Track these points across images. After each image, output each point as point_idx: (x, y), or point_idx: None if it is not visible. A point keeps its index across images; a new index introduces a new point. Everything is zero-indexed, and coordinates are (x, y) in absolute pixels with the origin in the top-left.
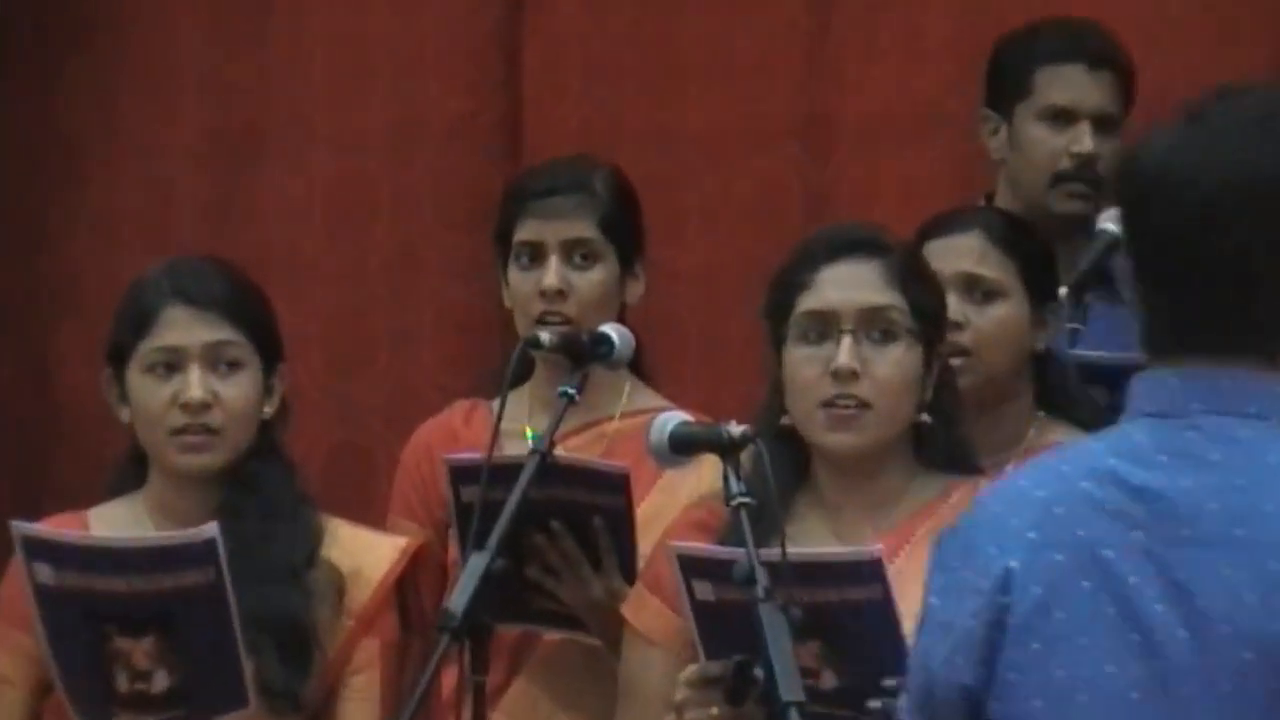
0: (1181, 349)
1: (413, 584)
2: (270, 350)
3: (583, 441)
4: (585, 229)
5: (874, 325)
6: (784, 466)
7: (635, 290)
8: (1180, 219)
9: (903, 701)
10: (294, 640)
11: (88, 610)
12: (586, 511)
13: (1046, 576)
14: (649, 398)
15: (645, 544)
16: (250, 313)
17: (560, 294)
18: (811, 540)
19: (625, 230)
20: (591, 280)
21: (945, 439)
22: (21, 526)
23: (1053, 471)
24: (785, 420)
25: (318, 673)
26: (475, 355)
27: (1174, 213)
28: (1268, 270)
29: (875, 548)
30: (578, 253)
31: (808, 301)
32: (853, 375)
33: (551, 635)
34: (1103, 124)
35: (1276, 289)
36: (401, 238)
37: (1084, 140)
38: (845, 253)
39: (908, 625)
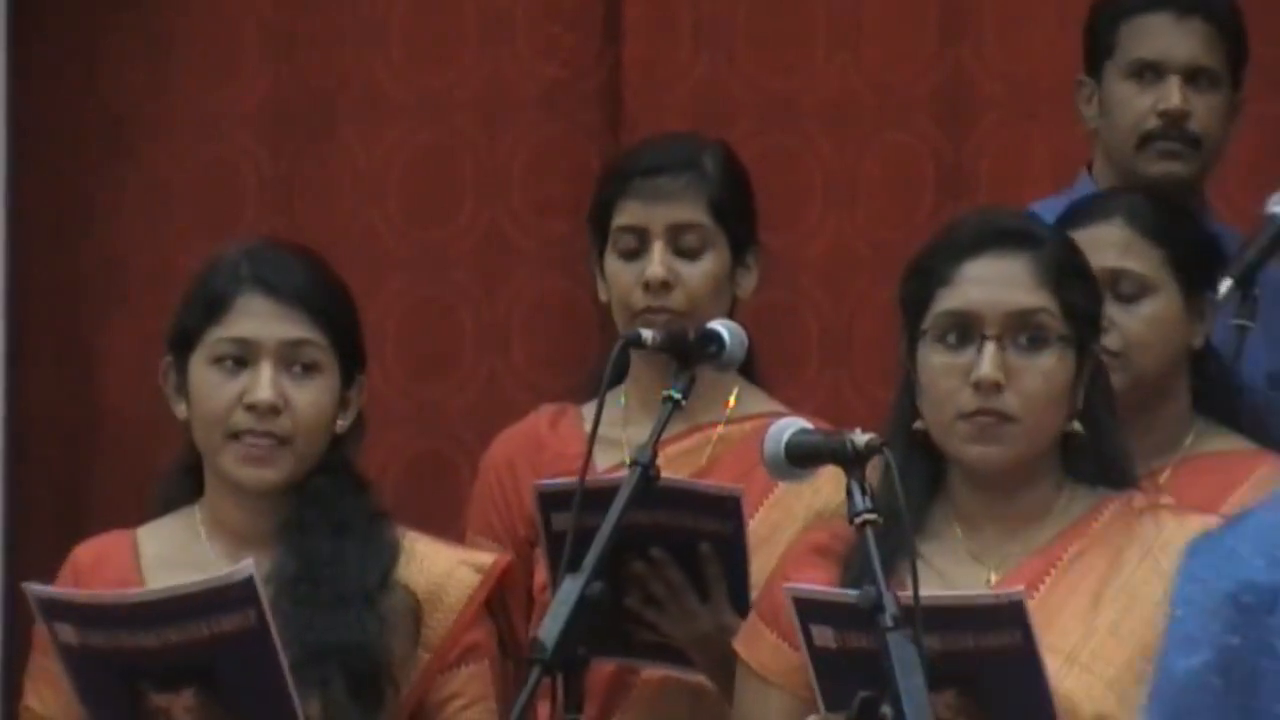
0: None
1: (502, 606)
2: (351, 357)
3: (684, 449)
4: (694, 213)
5: (1022, 330)
6: (916, 477)
7: (747, 283)
8: None
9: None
10: (365, 672)
11: (118, 669)
12: (693, 537)
13: None
14: (760, 401)
15: (756, 565)
16: (335, 312)
17: (666, 286)
18: (946, 561)
19: (738, 215)
20: (701, 271)
21: (1097, 449)
22: (35, 589)
23: None
24: (918, 425)
25: (390, 709)
26: (572, 354)
27: None
28: None
29: (1016, 591)
30: (686, 239)
31: (947, 299)
32: (996, 387)
33: (652, 671)
34: (1196, 78)
35: None
36: (488, 221)
37: (1172, 96)
38: (991, 245)
39: (1052, 663)
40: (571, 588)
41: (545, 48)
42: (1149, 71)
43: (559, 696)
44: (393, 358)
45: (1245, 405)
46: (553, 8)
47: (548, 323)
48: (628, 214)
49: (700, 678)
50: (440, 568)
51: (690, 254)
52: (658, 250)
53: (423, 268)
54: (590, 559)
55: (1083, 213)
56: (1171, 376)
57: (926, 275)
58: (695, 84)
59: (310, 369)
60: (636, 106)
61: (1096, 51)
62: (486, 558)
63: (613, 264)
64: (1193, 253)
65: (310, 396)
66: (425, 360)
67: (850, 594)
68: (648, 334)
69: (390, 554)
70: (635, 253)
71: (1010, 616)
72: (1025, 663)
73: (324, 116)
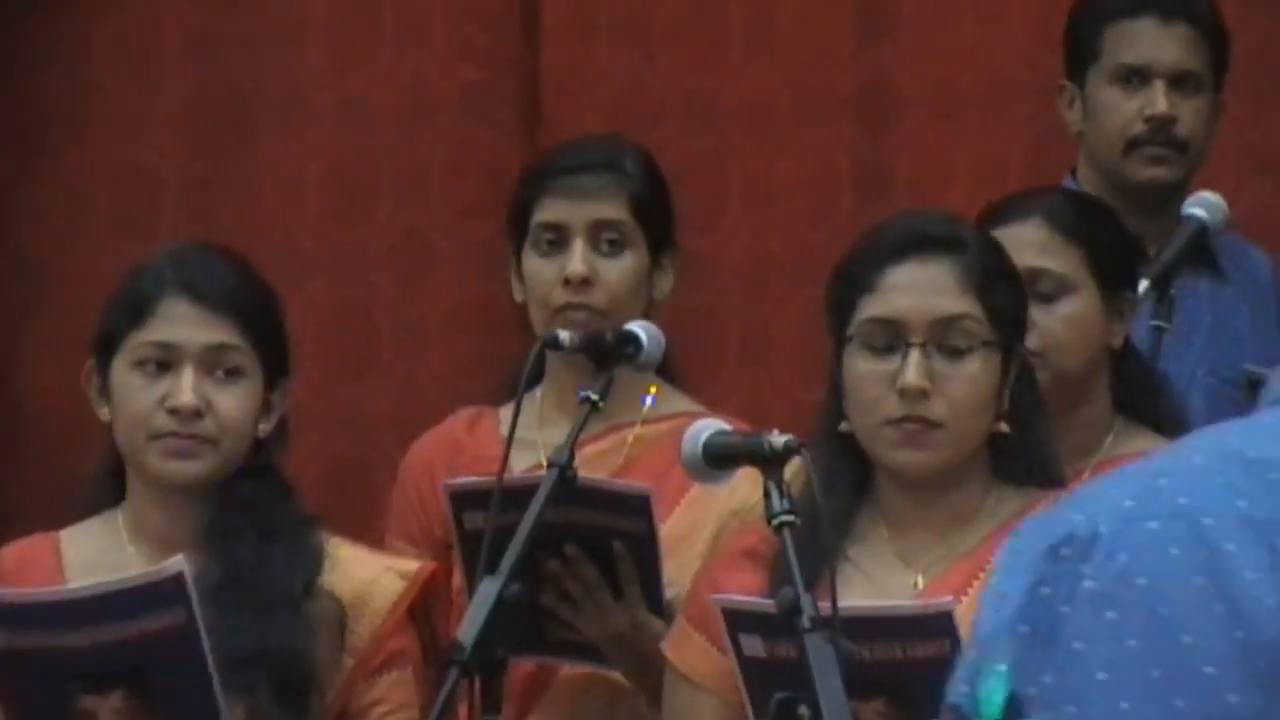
0: None
1: (426, 613)
2: (275, 361)
3: (601, 449)
4: (615, 210)
5: (947, 337)
6: (843, 480)
7: (664, 285)
8: None
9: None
10: (291, 678)
11: (47, 671)
12: (606, 535)
13: (1134, 544)
14: (677, 401)
15: (673, 565)
16: (259, 316)
17: (586, 282)
18: (873, 564)
19: (658, 215)
20: (621, 268)
21: (1025, 449)
22: None
23: (1168, 453)
24: (844, 427)
25: (315, 715)
26: (491, 356)
27: None
28: None
29: (945, 601)
30: (606, 237)
31: (872, 306)
32: (922, 394)
33: (569, 668)
34: (1181, 82)
35: None
36: (407, 223)
37: (1158, 101)
38: (915, 250)
39: None
40: (489, 589)
41: (463, 50)
42: (1134, 76)
43: (476, 697)
44: (311, 360)
45: (1166, 405)
46: (471, 9)
47: (466, 325)
48: (548, 211)
49: (616, 675)
50: (365, 574)
51: (611, 252)
52: (578, 247)
53: (341, 270)
54: (507, 560)
55: (1001, 212)
56: (1091, 376)
57: (851, 281)
58: (614, 85)
59: (233, 373)
60: (555, 108)
61: (1079, 56)
62: (411, 564)
63: (531, 262)
64: (1112, 252)
65: (232, 401)
66: (343, 362)
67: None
68: (565, 336)
69: (316, 560)
70: (555, 249)
71: (939, 626)
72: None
73: (243, 119)
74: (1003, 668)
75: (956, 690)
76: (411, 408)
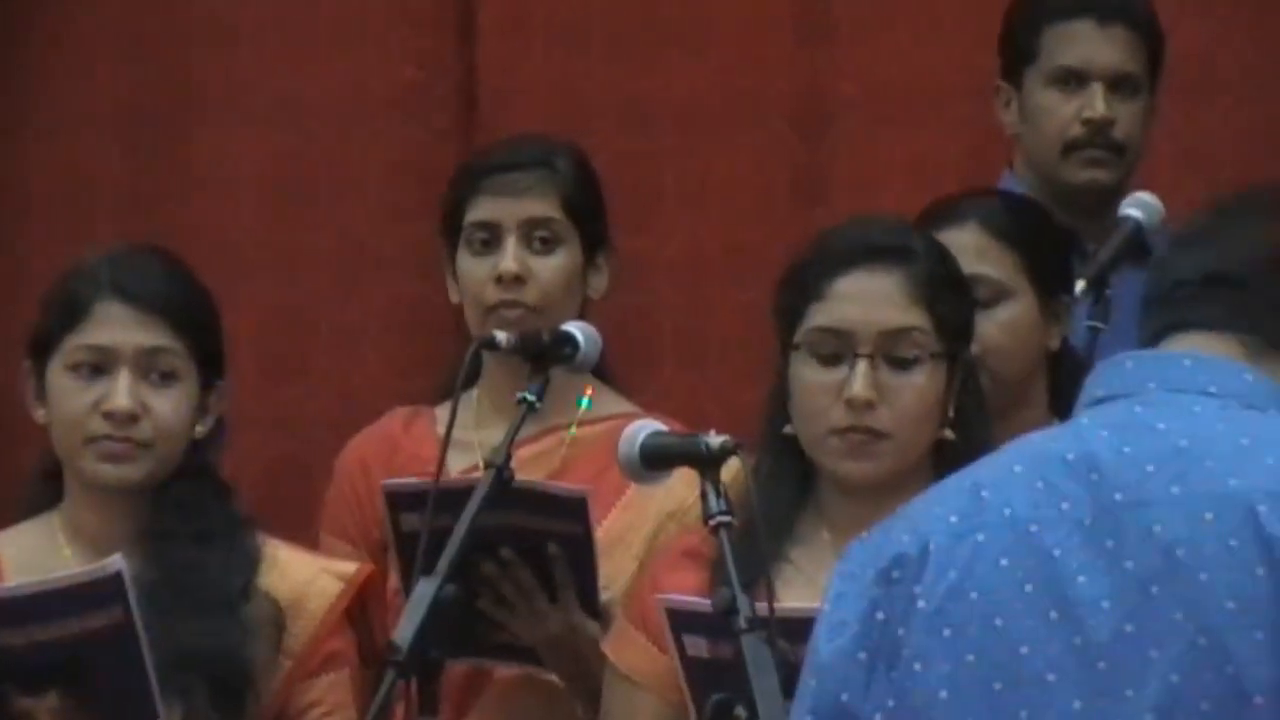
0: (1164, 329)
1: (363, 615)
2: (211, 363)
3: (537, 451)
4: (547, 208)
5: (894, 348)
6: (786, 482)
7: (599, 284)
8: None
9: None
10: (227, 680)
11: None
12: (542, 538)
13: (963, 559)
14: (612, 402)
15: (609, 566)
16: (194, 320)
17: (519, 280)
18: (815, 566)
19: (590, 213)
20: (554, 266)
21: (968, 453)
22: None
23: (987, 462)
24: (788, 429)
25: (251, 717)
26: (428, 358)
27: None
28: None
29: None
30: (538, 235)
31: (820, 315)
32: (868, 405)
33: (505, 671)
34: (1119, 85)
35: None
36: (343, 224)
37: (1096, 104)
38: (865, 260)
39: None
40: (426, 590)
41: (399, 51)
42: (1072, 79)
43: (413, 698)
44: (247, 361)
45: None
46: (406, 11)
47: (403, 326)
48: (481, 210)
49: (552, 677)
50: (303, 575)
51: (543, 250)
52: (511, 245)
53: (277, 271)
54: (444, 562)
55: (936, 216)
56: (1029, 380)
57: (800, 288)
58: (550, 86)
59: (168, 376)
60: (491, 109)
61: (1016, 57)
62: (349, 566)
63: (465, 261)
64: (1048, 256)
65: (168, 404)
66: (280, 363)
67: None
68: (502, 337)
69: (253, 561)
70: (488, 248)
71: None
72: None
73: (179, 119)
74: (845, 698)
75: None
76: (348, 409)
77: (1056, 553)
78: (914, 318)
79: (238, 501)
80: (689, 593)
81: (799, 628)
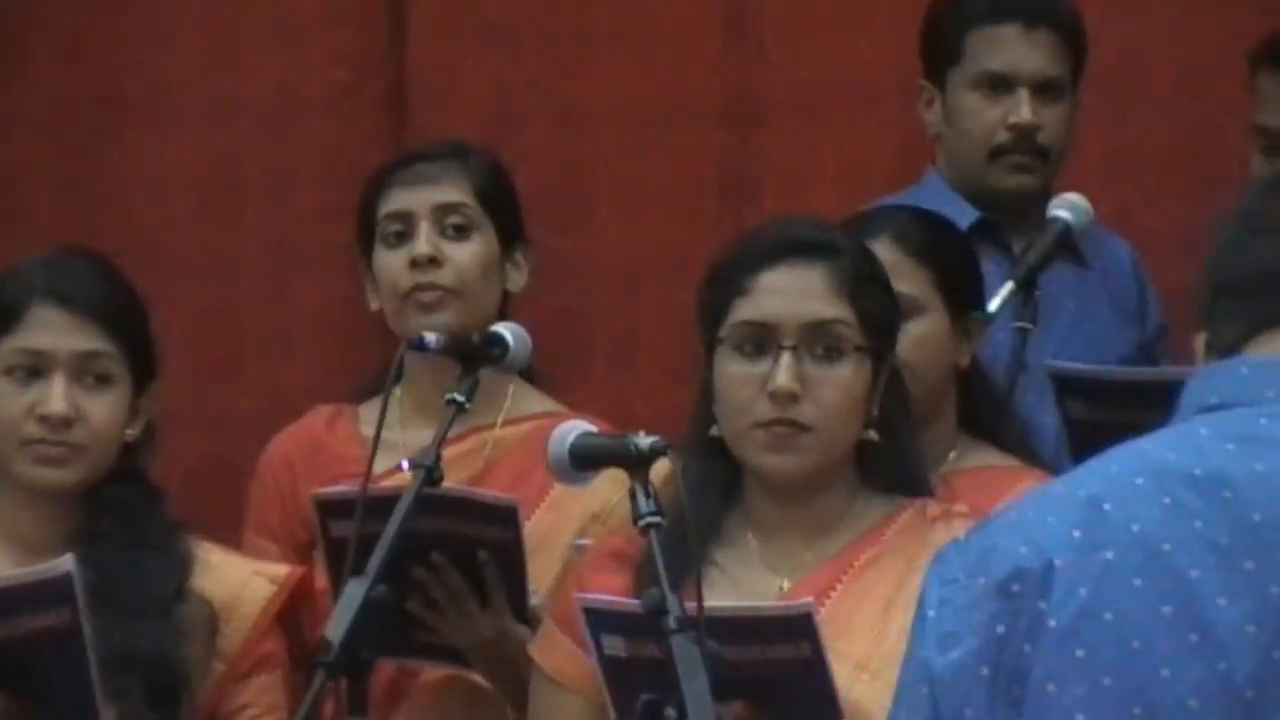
0: (1247, 337)
1: (295, 617)
2: (143, 367)
3: (461, 451)
4: (459, 194)
5: (818, 341)
6: (713, 484)
7: (517, 279)
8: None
9: None
10: (162, 682)
11: None
12: (472, 544)
13: (1093, 577)
14: (536, 401)
15: (533, 567)
16: (128, 323)
17: (434, 262)
18: (740, 568)
19: (504, 205)
20: (469, 250)
21: (893, 457)
22: None
23: (1097, 473)
24: (715, 431)
25: (186, 719)
26: (358, 359)
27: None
28: None
29: (805, 602)
30: (451, 221)
31: (744, 310)
32: (792, 398)
33: (430, 672)
34: (1044, 90)
35: None
36: (274, 225)
37: (1022, 110)
38: (788, 255)
39: (842, 670)
40: (356, 591)
41: (331, 51)
42: (998, 84)
43: (343, 699)
44: (178, 362)
45: (1011, 425)
46: (338, 11)
47: (333, 328)
48: (393, 202)
49: (478, 678)
50: (235, 578)
51: (456, 235)
52: (424, 230)
53: (209, 272)
54: (373, 563)
55: (850, 230)
56: (939, 396)
57: (724, 284)
58: (482, 87)
59: (103, 380)
60: (423, 110)
61: (940, 58)
62: (281, 569)
63: (381, 255)
64: (959, 273)
65: (103, 408)
66: (211, 365)
67: (637, 604)
68: (432, 338)
69: (186, 564)
70: (402, 239)
71: (799, 627)
72: (814, 673)
73: (111, 120)
74: (969, 714)
75: None
76: (278, 410)
77: (1193, 574)
78: (838, 310)
79: (169, 504)
80: (614, 594)
81: (723, 626)
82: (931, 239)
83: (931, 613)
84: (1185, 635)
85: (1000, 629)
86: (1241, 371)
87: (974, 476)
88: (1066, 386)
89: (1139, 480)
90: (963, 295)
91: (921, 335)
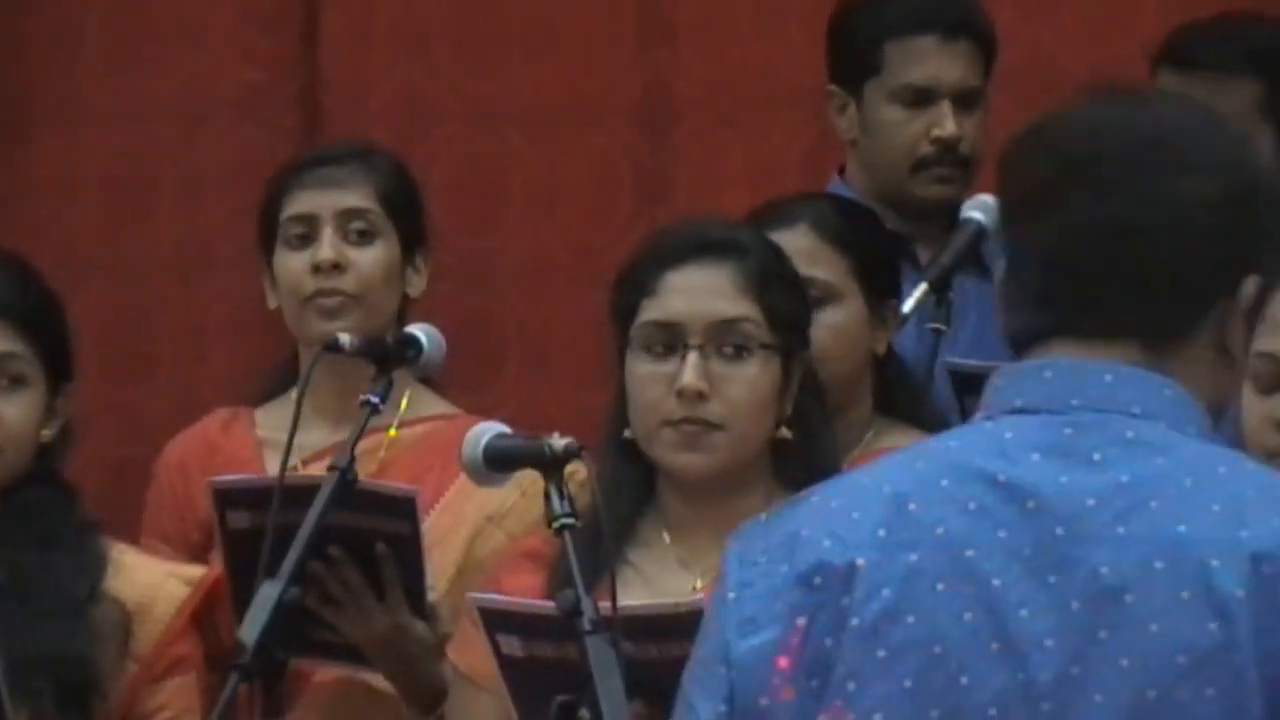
0: (1050, 333)
1: (209, 619)
2: (58, 368)
3: (356, 452)
4: (363, 199)
5: (725, 339)
6: (627, 485)
7: (417, 283)
8: (1068, 180)
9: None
10: (75, 684)
11: None
12: (371, 537)
13: (898, 577)
14: (433, 404)
15: (428, 568)
16: (43, 324)
17: (337, 268)
18: (655, 568)
19: (407, 210)
20: (371, 256)
21: (806, 455)
22: None
23: (904, 468)
24: (629, 433)
25: None
26: (271, 359)
27: (1058, 173)
28: (1153, 240)
29: (698, 599)
30: (354, 226)
31: (652, 310)
32: (700, 396)
33: (323, 673)
34: (964, 100)
35: (1153, 269)
36: (186, 226)
37: (945, 123)
38: (695, 255)
39: None
40: (269, 592)
41: (243, 52)
42: (919, 96)
43: (257, 701)
44: (91, 363)
45: (928, 411)
46: (249, 12)
47: (246, 328)
48: (296, 204)
49: (377, 678)
50: (149, 579)
51: (360, 240)
52: (327, 234)
53: (121, 273)
54: (288, 564)
55: (767, 218)
56: (856, 383)
57: (632, 285)
58: (394, 88)
59: (17, 382)
60: (335, 111)
61: (856, 68)
62: (196, 570)
63: (282, 257)
64: (877, 261)
65: (17, 410)
66: (124, 365)
67: (534, 605)
68: (345, 339)
69: (99, 566)
70: (305, 242)
71: (696, 625)
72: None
73: (20, 121)
74: (764, 703)
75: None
76: (191, 410)
77: (996, 583)
78: (744, 309)
79: (83, 505)
80: (528, 594)
81: (639, 626)
82: (850, 226)
83: (732, 594)
84: (987, 643)
85: (801, 620)
86: (1046, 375)
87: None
88: (966, 384)
89: (944, 482)
90: (880, 283)
91: (839, 322)
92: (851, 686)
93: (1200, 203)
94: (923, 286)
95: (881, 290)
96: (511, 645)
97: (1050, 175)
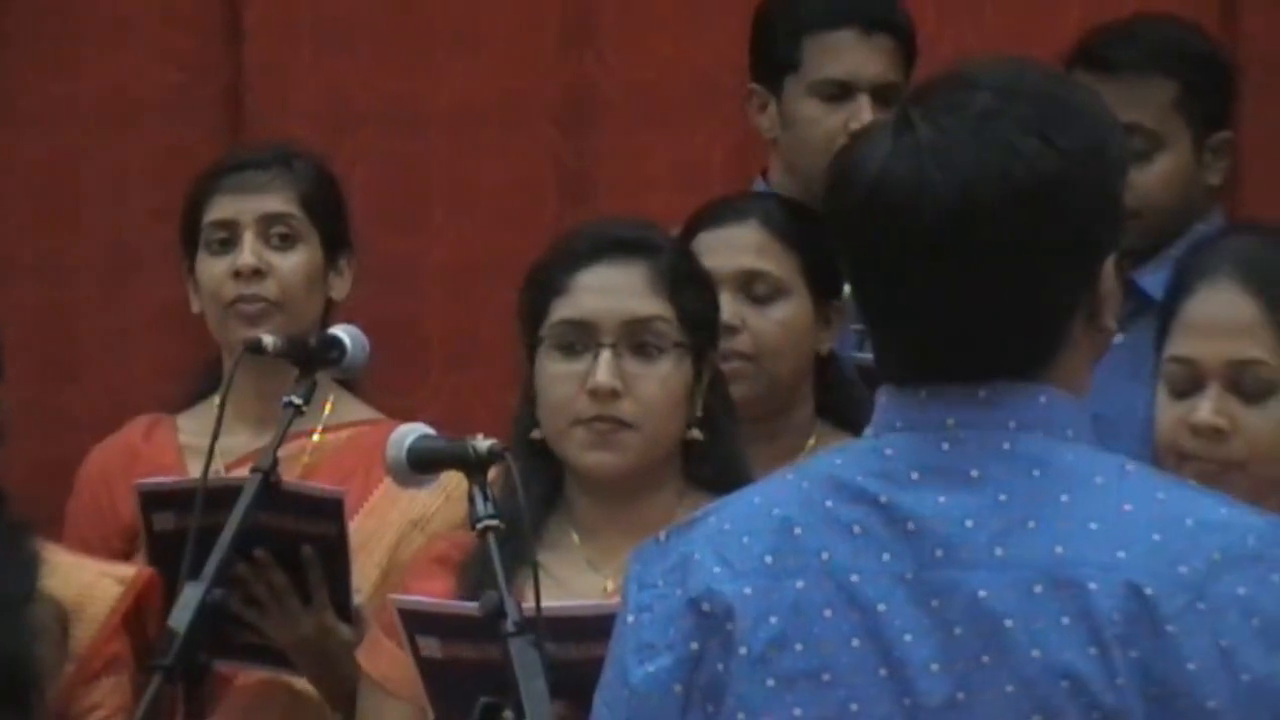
0: (920, 379)
1: (140, 619)
2: None
3: (279, 456)
4: (284, 204)
5: (637, 338)
6: (536, 486)
7: (341, 286)
8: (901, 248)
9: None
10: (14, 683)
11: None
12: (295, 539)
13: (785, 605)
14: (357, 409)
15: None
16: None
17: (258, 273)
18: (565, 569)
19: (329, 213)
20: (293, 262)
21: (717, 455)
22: None
23: (792, 488)
24: (537, 434)
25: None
26: (195, 361)
27: (893, 241)
28: (1003, 293)
29: (618, 600)
30: (276, 231)
31: (563, 309)
32: (613, 394)
33: (246, 675)
34: (883, 94)
35: (1013, 310)
36: (111, 227)
37: (863, 117)
38: (607, 254)
39: None
40: (193, 594)
41: (164, 52)
42: (837, 90)
43: (181, 703)
44: (14, 364)
45: (867, 413)
46: (170, 11)
47: (170, 329)
48: (217, 209)
49: (301, 680)
50: (83, 578)
51: (281, 246)
52: (249, 240)
53: (44, 274)
54: (210, 566)
55: (717, 214)
56: (799, 382)
57: (543, 285)
58: (317, 87)
59: None
60: (258, 110)
61: (774, 64)
62: (128, 570)
63: (204, 263)
64: (823, 260)
65: None
66: (47, 367)
67: (456, 605)
68: (269, 340)
69: (34, 565)
70: (226, 247)
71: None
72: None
73: None
74: None
75: None
76: (116, 412)
77: (881, 608)
78: (657, 307)
79: (12, 506)
80: (439, 599)
81: (558, 628)
82: (798, 224)
83: (631, 618)
84: (874, 669)
85: (694, 646)
86: (921, 396)
87: None
88: (873, 379)
89: (828, 503)
90: (825, 282)
91: (786, 318)
92: (742, 716)
93: (1042, 248)
94: (848, 287)
95: (826, 290)
96: (431, 647)
97: (887, 243)
